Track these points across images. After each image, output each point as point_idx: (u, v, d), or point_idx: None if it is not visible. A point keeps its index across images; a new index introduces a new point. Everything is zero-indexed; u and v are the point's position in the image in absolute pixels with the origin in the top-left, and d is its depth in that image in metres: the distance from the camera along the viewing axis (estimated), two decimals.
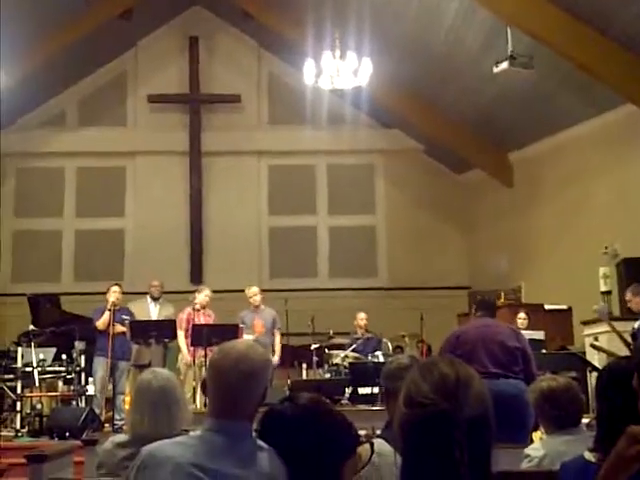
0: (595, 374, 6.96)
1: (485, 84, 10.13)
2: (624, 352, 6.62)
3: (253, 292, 9.18)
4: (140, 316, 8.78)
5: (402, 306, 11.79)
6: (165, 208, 12.88)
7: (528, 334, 8.38)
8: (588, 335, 8.76)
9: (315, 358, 9.58)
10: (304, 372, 10.09)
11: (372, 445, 2.28)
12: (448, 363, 1.43)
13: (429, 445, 1.34)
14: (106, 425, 7.98)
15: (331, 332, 10.24)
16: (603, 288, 9.06)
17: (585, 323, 8.98)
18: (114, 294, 8.35)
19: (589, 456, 2.39)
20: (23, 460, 4.15)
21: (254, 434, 2.18)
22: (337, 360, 9.41)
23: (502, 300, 10.34)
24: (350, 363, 9.24)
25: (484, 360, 5.05)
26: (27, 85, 10.88)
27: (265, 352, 2.37)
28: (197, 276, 12.73)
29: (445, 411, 1.33)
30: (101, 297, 8.68)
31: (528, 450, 3.39)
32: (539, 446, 3.36)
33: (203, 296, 8.82)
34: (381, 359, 9.04)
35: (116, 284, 8.61)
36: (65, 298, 11.37)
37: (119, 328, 8.31)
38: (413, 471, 1.37)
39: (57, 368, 8.39)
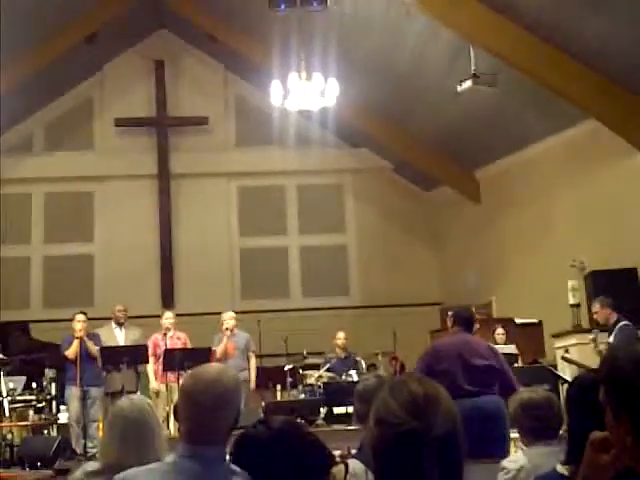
0: (567, 386, 7.02)
1: (450, 103, 10.26)
2: (595, 363, 6.69)
3: (228, 316, 9.14)
4: (107, 342, 8.70)
5: (375, 324, 11.81)
6: (135, 232, 12.80)
7: (500, 348, 8.46)
8: (559, 348, 8.85)
9: (289, 379, 9.53)
10: (278, 393, 10.04)
11: (346, 466, 2.29)
12: (417, 381, 1.44)
13: (400, 464, 1.35)
14: (79, 454, 7.86)
15: (305, 352, 10.21)
16: (572, 301, 9.16)
17: (556, 336, 9.08)
18: (80, 323, 8.27)
19: (561, 469, 2.41)
20: None
21: (227, 458, 2.18)
22: (311, 380, 9.39)
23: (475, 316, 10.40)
24: (324, 383, 9.22)
25: (463, 378, 5.09)
26: None
27: (236, 376, 2.37)
28: (168, 300, 12.64)
29: (415, 430, 1.34)
30: (71, 324, 8.56)
31: (505, 462, 3.40)
32: (516, 458, 3.38)
33: (164, 319, 8.94)
34: (355, 378, 9.03)
35: (80, 312, 8.52)
36: (34, 325, 11.24)
37: (94, 351, 8.29)
38: None
39: (27, 397, 8.27)
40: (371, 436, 1.41)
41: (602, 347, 7.26)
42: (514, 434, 5.54)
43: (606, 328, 7.57)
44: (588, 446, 1.63)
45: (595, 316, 7.71)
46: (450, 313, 5.81)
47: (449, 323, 5.70)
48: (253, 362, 9.16)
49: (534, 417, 3.23)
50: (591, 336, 7.61)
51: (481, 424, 4.56)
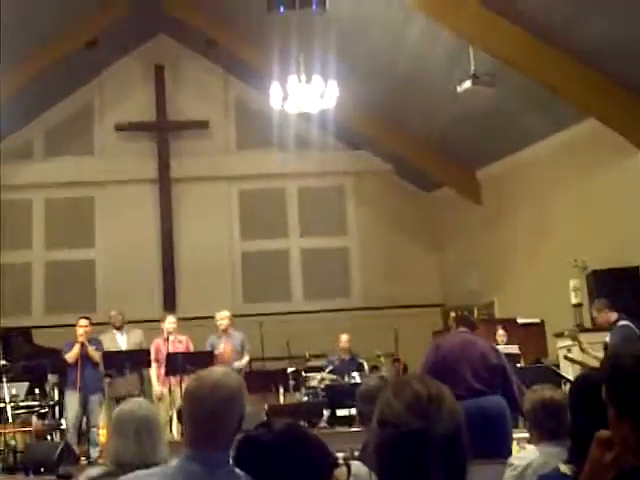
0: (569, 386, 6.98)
1: (450, 103, 10.26)
2: (597, 363, 6.66)
3: (221, 316, 9.14)
4: (110, 347, 8.73)
5: (377, 326, 11.79)
6: (136, 237, 12.79)
7: (503, 349, 8.45)
8: (561, 347, 8.83)
9: (292, 381, 9.53)
10: (281, 396, 10.03)
11: (349, 468, 2.29)
12: (420, 381, 1.43)
13: (404, 464, 1.34)
14: (82, 459, 7.86)
15: (307, 355, 10.21)
16: (574, 301, 9.15)
17: (558, 335, 9.06)
18: (82, 328, 8.31)
19: (564, 469, 2.41)
20: None
21: (231, 461, 2.18)
22: (314, 383, 9.38)
23: (476, 316, 10.40)
24: (327, 385, 9.22)
25: (468, 377, 5.10)
26: None
27: (240, 379, 2.37)
28: (170, 304, 12.63)
29: (419, 430, 1.34)
30: (73, 329, 8.59)
31: (512, 459, 3.42)
32: (523, 455, 3.40)
33: (167, 323, 8.89)
34: (358, 380, 9.02)
35: (83, 317, 8.56)
36: (37, 331, 11.23)
37: (96, 356, 8.28)
38: None
39: (30, 403, 8.26)
40: (374, 438, 1.40)
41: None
42: (516, 434, 5.58)
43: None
44: (594, 444, 1.62)
45: (595, 320, 7.70)
46: (452, 315, 5.92)
47: (452, 324, 5.75)
48: (245, 360, 9.12)
49: (553, 416, 3.21)
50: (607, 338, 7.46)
51: (485, 424, 4.58)
